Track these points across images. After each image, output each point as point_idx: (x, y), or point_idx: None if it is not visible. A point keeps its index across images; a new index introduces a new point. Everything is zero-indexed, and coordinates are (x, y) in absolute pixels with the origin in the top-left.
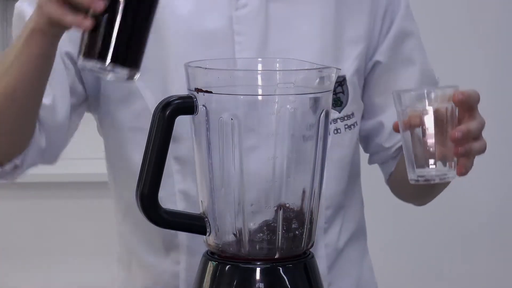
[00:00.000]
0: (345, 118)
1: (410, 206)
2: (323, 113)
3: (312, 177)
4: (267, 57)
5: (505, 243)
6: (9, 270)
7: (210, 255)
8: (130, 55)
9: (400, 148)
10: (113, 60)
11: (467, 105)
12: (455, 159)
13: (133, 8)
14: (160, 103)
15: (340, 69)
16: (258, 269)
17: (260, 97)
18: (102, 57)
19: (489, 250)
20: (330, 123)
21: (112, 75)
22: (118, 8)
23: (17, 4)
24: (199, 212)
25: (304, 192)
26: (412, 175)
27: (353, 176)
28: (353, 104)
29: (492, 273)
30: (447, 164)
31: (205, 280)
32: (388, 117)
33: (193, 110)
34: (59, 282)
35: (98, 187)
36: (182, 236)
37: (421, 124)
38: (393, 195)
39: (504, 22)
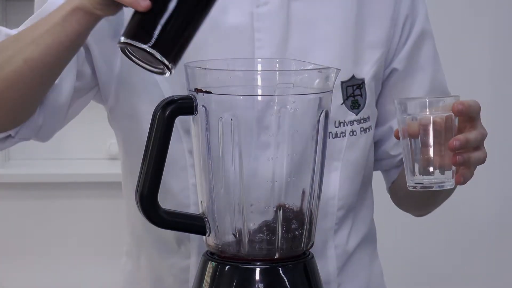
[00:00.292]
0: (361, 121)
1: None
2: (323, 114)
3: (311, 178)
4: (283, 58)
5: None
6: (9, 270)
7: (209, 255)
8: (173, 46)
9: None
10: (156, 44)
11: (467, 116)
12: (454, 168)
13: (191, 1)
14: (160, 103)
15: (340, 70)
16: (257, 270)
17: (259, 98)
18: (146, 38)
19: (500, 255)
20: (347, 125)
21: (147, 62)
22: None
23: None
24: (199, 212)
25: (303, 192)
26: (411, 182)
27: (365, 179)
28: (369, 108)
29: (503, 277)
30: (446, 172)
31: (204, 280)
32: None
33: (193, 111)
34: (59, 282)
35: (98, 187)
36: None
37: (421, 132)
38: None
39: (504, 23)
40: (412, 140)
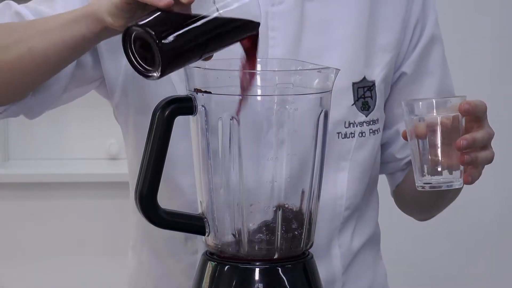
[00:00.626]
0: (371, 122)
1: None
2: (322, 114)
3: (311, 178)
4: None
5: None
6: (9, 270)
7: (209, 255)
8: (177, 57)
9: (410, 161)
10: (161, 40)
11: (474, 115)
12: (462, 167)
13: (215, 24)
14: (159, 103)
15: (339, 70)
16: (257, 270)
17: (259, 98)
18: (161, 35)
19: (503, 256)
20: (356, 126)
21: (137, 59)
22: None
23: None
24: (198, 212)
25: (303, 192)
26: (419, 182)
27: (372, 181)
28: (378, 110)
29: (507, 278)
30: (454, 172)
31: (204, 280)
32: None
33: (192, 111)
34: (59, 282)
35: (98, 187)
36: None
37: (428, 133)
38: None
39: (506, 24)
40: (420, 140)
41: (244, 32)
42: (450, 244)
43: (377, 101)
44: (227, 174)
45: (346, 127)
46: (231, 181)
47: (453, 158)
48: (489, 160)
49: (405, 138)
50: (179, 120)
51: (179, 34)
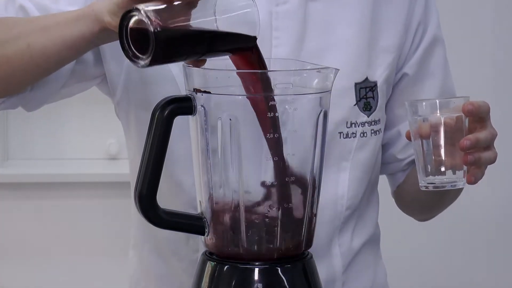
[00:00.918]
0: (372, 123)
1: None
2: (322, 114)
3: (311, 178)
4: (298, 60)
5: None
6: (9, 270)
7: (208, 255)
8: (171, 45)
9: (411, 162)
10: (157, 28)
11: (477, 116)
12: (465, 167)
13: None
14: (158, 103)
15: (338, 70)
16: (256, 270)
17: (258, 98)
18: (158, 24)
19: (504, 256)
20: (358, 126)
21: (129, 44)
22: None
23: None
24: (197, 212)
25: (303, 192)
26: (423, 182)
27: (372, 181)
28: (380, 111)
29: (507, 278)
30: (457, 172)
31: (203, 280)
32: (406, 126)
33: (192, 111)
34: (59, 282)
35: (97, 187)
36: None
37: (432, 133)
38: None
39: (504, 24)
40: (424, 141)
41: (239, 44)
42: (450, 244)
43: (379, 101)
44: (226, 174)
45: (347, 127)
46: (230, 181)
47: (457, 158)
48: (492, 161)
49: (409, 138)
50: (181, 118)
51: (177, 27)
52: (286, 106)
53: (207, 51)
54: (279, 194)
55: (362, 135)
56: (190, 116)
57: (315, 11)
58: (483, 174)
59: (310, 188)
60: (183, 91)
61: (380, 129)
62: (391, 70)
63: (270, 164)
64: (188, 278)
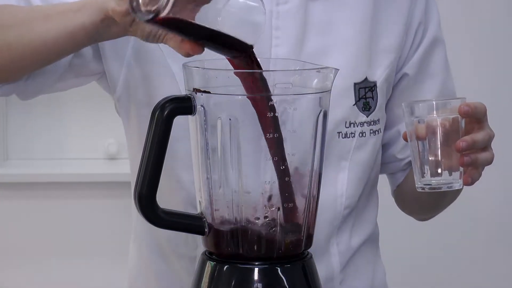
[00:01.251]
0: (372, 123)
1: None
2: (321, 113)
3: (310, 178)
4: (299, 60)
5: None
6: (9, 270)
7: (208, 255)
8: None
9: (411, 162)
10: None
11: (474, 117)
12: (462, 168)
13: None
14: (158, 103)
15: (338, 70)
16: (256, 269)
17: (258, 97)
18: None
19: (503, 255)
20: (357, 126)
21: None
22: None
23: None
24: (197, 212)
25: (302, 192)
26: (419, 183)
27: (372, 181)
28: (380, 111)
29: (507, 277)
30: (454, 173)
31: (203, 280)
32: None
33: (192, 111)
34: (59, 282)
35: (97, 187)
36: None
37: (428, 134)
38: None
39: (504, 24)
40: (420, 142)
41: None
42: (450, 244)
43: (378, 101)
44: (226, 173)
45: (346, 127)
46: (230, 181)
47: (453, 159)
48: (489, 162)
49: (406, 139)
50: (182, 117)
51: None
52: (286, 106)
53: (203, 41)
54: (279, 194)
55: (361, 135)
56: (189, 116)
57: (315, 11)
58: (480, 175)
59: (310, 188)
60: (182, 88)
61: (380, 129)
62: (391, 70)
63: (270, 164)
64: (187, 275)
